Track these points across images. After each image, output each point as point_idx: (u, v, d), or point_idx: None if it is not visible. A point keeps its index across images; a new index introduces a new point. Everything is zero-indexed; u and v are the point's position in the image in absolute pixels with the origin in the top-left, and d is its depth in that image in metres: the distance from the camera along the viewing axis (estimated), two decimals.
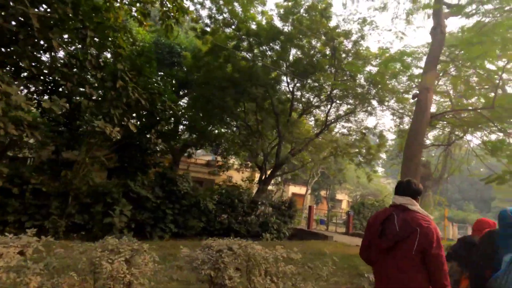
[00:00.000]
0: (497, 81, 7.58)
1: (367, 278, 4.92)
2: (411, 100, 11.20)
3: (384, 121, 35.80)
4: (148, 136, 11.81)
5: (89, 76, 10.05)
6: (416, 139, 7.83)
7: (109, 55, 11.63)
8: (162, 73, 15.60)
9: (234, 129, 18.61)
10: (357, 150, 18.02)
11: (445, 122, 12.74)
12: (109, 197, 10.42)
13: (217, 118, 15.83)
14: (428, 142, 19.71)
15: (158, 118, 11.54)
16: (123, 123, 9.92)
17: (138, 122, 11.74)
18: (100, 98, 10.42)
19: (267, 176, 16.82)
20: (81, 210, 10.13)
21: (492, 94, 8.04)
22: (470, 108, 9.32)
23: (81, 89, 9.72)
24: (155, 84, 11.93)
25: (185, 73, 17.05)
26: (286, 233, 14.78)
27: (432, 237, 2.35)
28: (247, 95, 14.01)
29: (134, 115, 12.21)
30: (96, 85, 10.14)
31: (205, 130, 17.19)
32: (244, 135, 17.13)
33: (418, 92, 8.38)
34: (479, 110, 8.33)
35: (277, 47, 15.82)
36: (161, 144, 11.24)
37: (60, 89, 9.97)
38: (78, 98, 10.40)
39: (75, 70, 9.34)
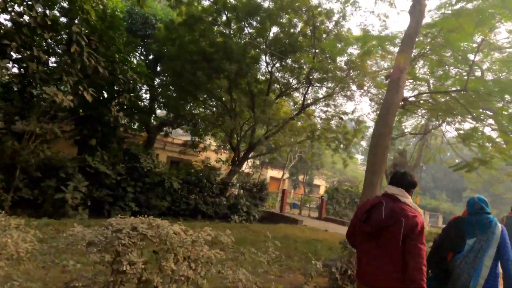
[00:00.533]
0: (472, 57, 7.18)
1: (314, 265, 4.54)
2: (383, 80, 10.80)
3: (362, 106, 35.86)
4: (111, 109, 11.00)
5: (41, 38, 9.11)
6: (385, 121, 7.42)
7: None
8: (133, 45, 14.58)
9: (213, 109, 17.93)
10: (334, 135, 17.72)
11: (421, 109, 12.48)
12: (63, 171, 9.71)
13: (190, 94, 15.07)
14: (406, 131, 19.79)
15: (120, 90, 10.75)
16: (79, 92, 9.13)
17: (97, 93, 10.86)
18: (55, 64, 9.57)
19: (240, 157, 16.35)
20: (30, 184, 9.40)
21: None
22: (444, 91, 8.98)
23: (30, 52, 8.78)
24: (121, 54, 11.03)
25: (159, 46, 16.14)
26: (256, 216, 14.46)
27: (415, 229, 2.33)
28: (220, 71, 13.30)
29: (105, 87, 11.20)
30: (49, 48, 9.25)
31: (179, 106, 16.45)
32: (217, 113, 16.50)
33: (391, 72, 7.94)
34: (452, 94, 8.00)
35: (256, 24, 15.11)
36: (123, 117, 10.48)
37: (8, 51, 9.01)
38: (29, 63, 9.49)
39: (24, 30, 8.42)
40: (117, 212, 10.66)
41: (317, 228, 13.06)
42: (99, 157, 10.69)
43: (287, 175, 29.06)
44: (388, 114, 7.47)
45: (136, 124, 18.85)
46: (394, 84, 7.61)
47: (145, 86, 18.46)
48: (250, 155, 17.65)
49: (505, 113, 8.03)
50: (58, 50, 9.99)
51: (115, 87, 10.58)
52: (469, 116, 9.65)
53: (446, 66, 10.12)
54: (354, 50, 15.03)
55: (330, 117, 18.38)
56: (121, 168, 11.01)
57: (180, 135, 31.13)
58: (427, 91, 11.68)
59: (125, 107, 12.13)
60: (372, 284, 2.47)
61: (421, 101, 10.95)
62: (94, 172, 10.38)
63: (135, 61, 18.26)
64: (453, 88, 9.39)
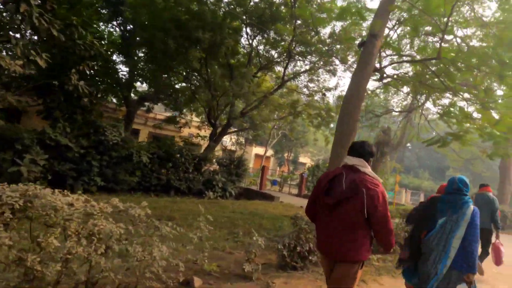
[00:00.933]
0: (456, 30, 6.73)
1: (255, 242, 4.20)
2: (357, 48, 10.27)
3: (345, 82, 35.40)
4: (71, 77, 10.25)
5: None
6: (357, 91, 6.98)
7: None
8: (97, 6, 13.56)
9: (197, 83, 17.21)
10: (317, 111, 17.30)
11: (406, 87, 12.06)
12: (19, 143, 9.11)
13: (164, 65, 14.31)
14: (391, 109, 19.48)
15: (82, 57, 10.01)
16: (30, 57, 8.40)
17: (57, 59, 10.08)
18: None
19: (218, 132, 15.87)
20: None
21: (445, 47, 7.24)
22: (417, 60, 8.52)
23: None
24: (80, 17, 10.21)
25: (132, 14, 15.16)
26: (232, 192, 14.15)
27: (377, 200, 2.36)
28: (193, 40, 12.54)
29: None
30: None
31: (157, 79, 15.72)
32: (195, 86, 15.83)
33: (365, 40, 7.43)
34: (430, 67, 7.56)
35: None
36: (84, 87, 9.79)
37: None
38: None
39: None
40: (81, 187, 10.19)
41: (293, 205, 12.84)
42: (61, 129, 10.08)
43: (270, 152, 28.75)
44: (359, 84, 7.02)
45: (111, 97, 18.09)
46: (368, 52, 7.13)
47: (121, 56, 17.62)
48: (229, 131, 17.16)
49: (482, 87, 7.64)
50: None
51: (76, 53, 9.80)
52: (450, 92, 9.28)
53: (428, 38, 9.64)
54: (338, 22, 14.41)
55: (313, 92, 17.92)
56: (85, 141, 10.44)
57: (164, 111, 30.35)
58: (405, 64, 11.23)
59: (89, 76, 11.40)
60: (335, 255, 2.47)
61: (399, 74, 10.51)
62: (55, 145, 9.80)
63: (108, 30, 17.29)
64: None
